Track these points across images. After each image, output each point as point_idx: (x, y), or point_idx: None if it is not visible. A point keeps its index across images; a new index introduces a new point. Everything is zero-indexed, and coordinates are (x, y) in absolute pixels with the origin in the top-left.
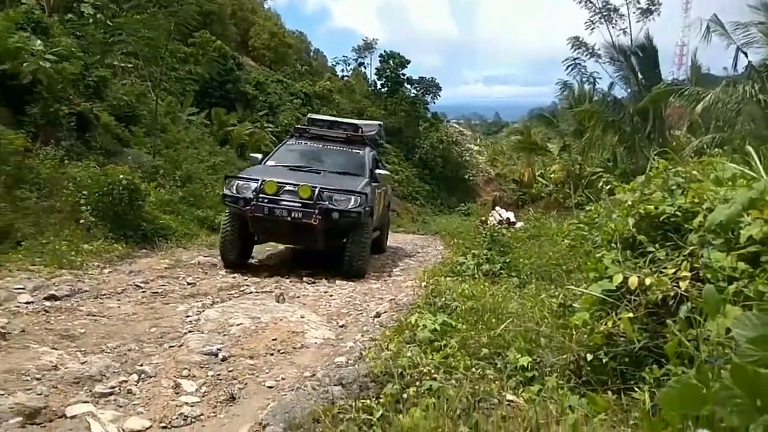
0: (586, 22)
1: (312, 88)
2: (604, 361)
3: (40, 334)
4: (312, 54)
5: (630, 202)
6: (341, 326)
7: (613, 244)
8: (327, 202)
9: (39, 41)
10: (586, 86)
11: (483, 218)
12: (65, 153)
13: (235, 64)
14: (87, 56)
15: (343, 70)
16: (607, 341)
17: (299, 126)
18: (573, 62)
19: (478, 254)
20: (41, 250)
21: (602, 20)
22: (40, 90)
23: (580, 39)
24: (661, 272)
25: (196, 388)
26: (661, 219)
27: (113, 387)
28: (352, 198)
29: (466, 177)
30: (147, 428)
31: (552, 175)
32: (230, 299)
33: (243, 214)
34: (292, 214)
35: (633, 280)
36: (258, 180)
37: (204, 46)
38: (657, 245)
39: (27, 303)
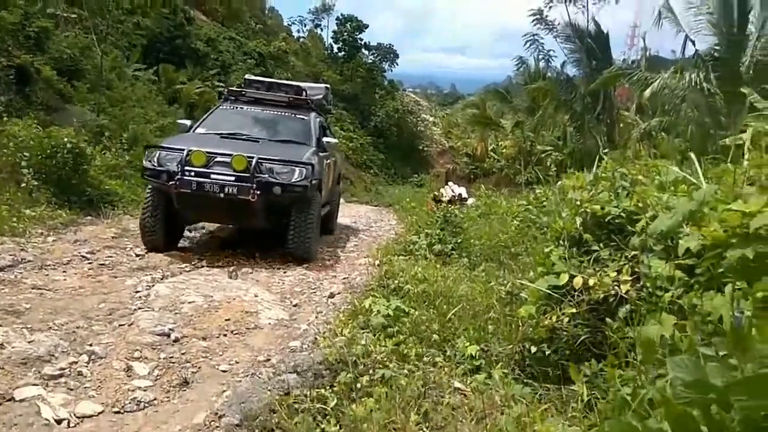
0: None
1: (266, 48)
2: (546, 353)
3: None
4: (267, 12)
5: (578, 201)
6: (294, 305)
7: (560, 241)
8: (267, 175)
9: None
10: (541, 63)
11: (435, 193)
12: (4, 109)
13: (185, 18)
14: (26, 4)
15: (299, 31)
16: (551, 335)
17: (233, 88)
18: (532, 38)
19: (430, 233)
20: None
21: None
22: None
23: (543, 13)
24: (604, 271)
25: (149, 371)
26: (606, 219)
27: (63, 369)
28: (296, 169)
29: (420, 148)
30: (99, 413)
31: (504, 151)
32: (181, 273)
33: (167, 191)
34: (225, 189)
35: (578, 281)
36: (183, 150)
37: None
38: (602, 244)
39: None
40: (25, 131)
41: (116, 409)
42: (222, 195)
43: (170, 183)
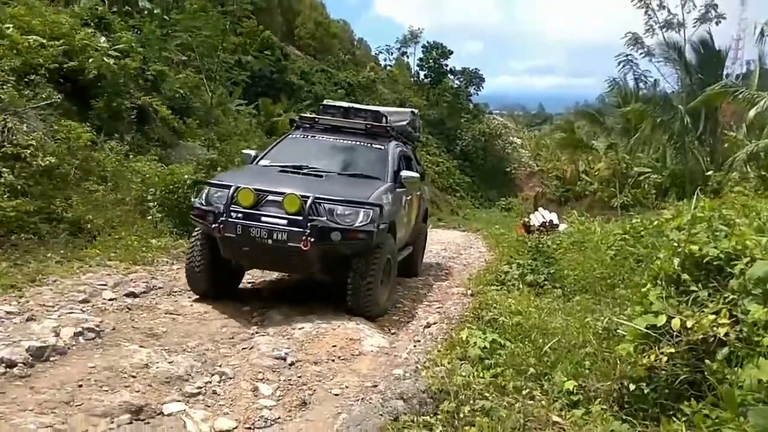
0: (646, 28)
1: (355, 78)
2: (645, 392)
3: (128, 332)
4: (355, 43)
5: (676, 242)
6: (392, 333)
7: (658, 281)
8: (325, 218)
9: (103, 38)
10: (631, 83)
11: (525, 220)
12: (129, 147)
13: (282, 54)
14: (145, 50)
15: (385, 60)
16: (649, 373)
17: (305, 115)
18: (626, 59)
19: (522, 264)
20: (115, 246)
21: (661, 27)
22: (104, 85)
23: (638, 37)
24: (702, 312)
25: (272, 391)
26: (704, 260)
27: (200, 387)
28: (361, 212)
29: (508, 170)
30: (234, 428)
31: (597, 173)
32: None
33: (212, 233)
34: (274, 235)
35: (676, 322)
36: (231, 187)
37: (252, 36)
38: (700, 284)
39: (111, 300)
40: (148, 167)
41: (248, 426)
42: (270, 241)
43: (213, 226)
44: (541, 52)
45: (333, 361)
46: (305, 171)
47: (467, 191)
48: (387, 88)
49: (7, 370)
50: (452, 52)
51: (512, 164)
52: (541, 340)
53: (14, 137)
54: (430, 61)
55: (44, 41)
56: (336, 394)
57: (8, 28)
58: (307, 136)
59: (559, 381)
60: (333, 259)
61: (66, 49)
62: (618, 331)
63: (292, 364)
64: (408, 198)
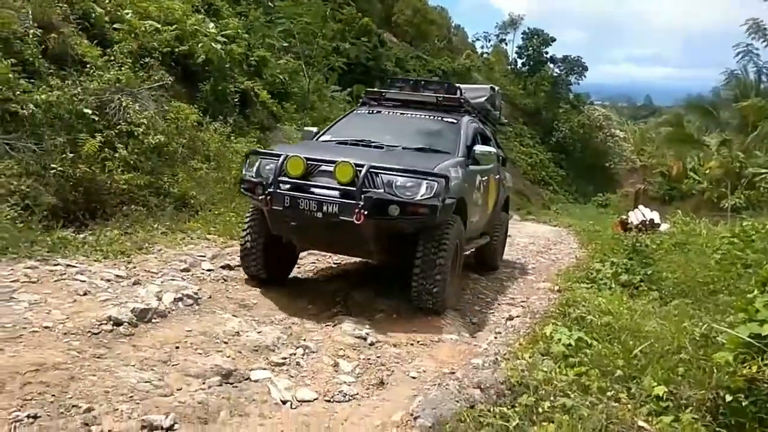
0: None
1: (450, 65)
2: (744, 404)
3: (223, 301)
4: (452, 30)
5: None
6: (473, 323)
7: (766, 288)
8: (382, 189)
9: (212, 24)
10: (752, 75)
11: (623, 217)
12: (231, 129)
13: (378, 41)
14: (250, 36)
15: (483, 47)
16: (750, 385)
17: (372, 89)
18: (745, 49)
19: (617, 263)
20: (214, 221)
21: None
22: (211, 69)
23: (761, 25)
24: None
25: (351, 368)
26: None
27: (285, 358)
28: (424, 184)
29: (607, 165)
30: (314, 399)
31: (707, 172)
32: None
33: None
34: (324, 207)
35: None
36: (281, 156)
37: (350, 23)
38: None
39: (208, 270)
40: (247, 149)
41: (327, 398)
42: (320, 215)
43: (260, 197)
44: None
45: (412, 345)
46: (367, 144)
47: (561, 185)
48: (482, 76)
49: (114, 327)
50: (554, 40)
51: (612, 158)
52: (631, 343)
53: (128, 116)
54: (530, 48)
55: (159, 26)
56: (413, 377)
57: (127, 13)
58: (374, 111)
59: (648, 385)
60: (393, 238)
61: (178, 34)
62: (717, 338)
63: (372, 344)
64: (484, 179)
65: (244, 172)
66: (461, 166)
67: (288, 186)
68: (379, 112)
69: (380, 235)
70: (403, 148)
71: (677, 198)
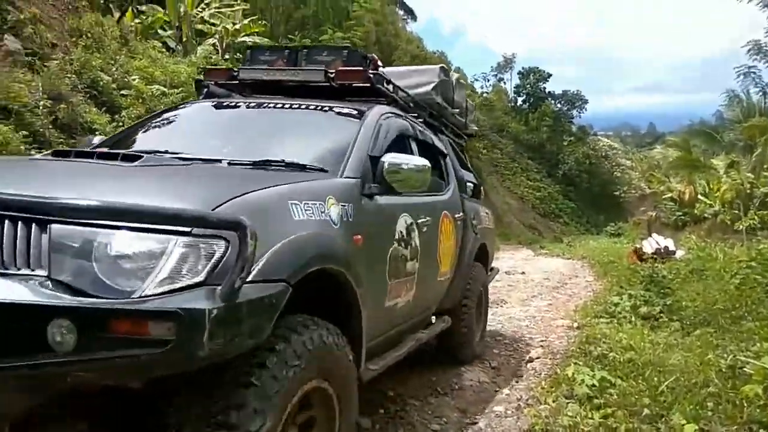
0: None
1: None
2: None
3: None
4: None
5: None
6: (493, 368)
7: None
8: (70, 271)
9: None
10: (755, 97)
11: (637, 246)
12: None
13: None
14: None
15: (482, 87)
16: None
17: (217, 67)
18: (747, 70)
19: (634, 295)
20: None
21: None
22: None
23: (762, 45)
24: None
25: (371, 425)
26: None
27: None
28: (174, 249)
29: (616, 194)
30: None
31: (717, 195)
32: None
33: None
34: None
35: None
36: None
37: None
38: None
39: None
40: None
41: None
42: None
43: None
44: (645, 71)
45: (432, 395)
46: (124, 155)
47: (571, 217)
48: (484, 115)
49: None
50: (550, 75)
51: (621, 187)
52: (656, 379)
53: None
54: (527, 85)
55: (165, 90)
56: (435, 431)
57: (134, 79)
58: (224, 104)
59: (677, 424)
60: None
61: (184, 96)
62: (745, 369)
63: (390, 397)
64: (423, 221)
65: None
66: (346, 195)
67: None
68: (234, 105)
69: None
70: (229, 164)
71: (690, 223)
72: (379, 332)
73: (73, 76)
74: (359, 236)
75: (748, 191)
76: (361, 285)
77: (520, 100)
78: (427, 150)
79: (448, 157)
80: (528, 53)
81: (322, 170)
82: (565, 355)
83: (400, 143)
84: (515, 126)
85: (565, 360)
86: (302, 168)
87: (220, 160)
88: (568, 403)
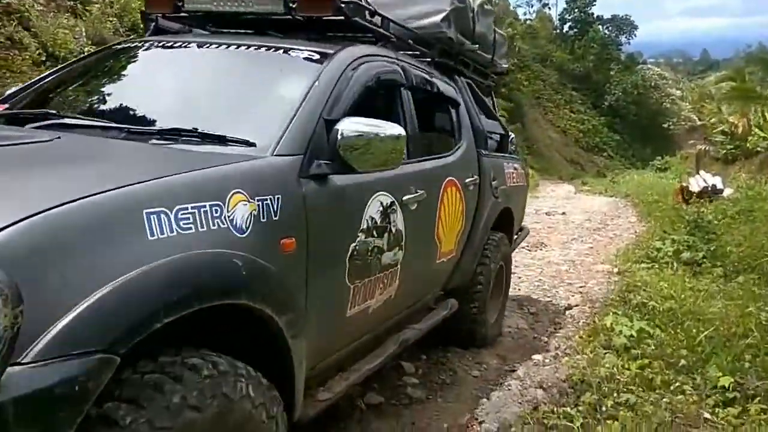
0: None
1: None
2: None
3: None
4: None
5: None
6: (532, 314)
7: None
8: None
9: None
10: None
11: (683, 185)
12: None
13: None
14: None
15: (525, 13)
16: None
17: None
18: None
19: (677, 240)
20: None
21: None
22: None
23: None
24: None
25: (415, 370)
26: None
27: None
28: None
29: (665, 126)
30: (379, 403)
31: None
32: None
33: None
34: None
35: None
36: None
37: None
38: None
39: None
40: None
41: (393, 402)
42: None
43: None
44: None
45: None
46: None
47: (616, 150)
48: (527, 44)
49: None
50: None
51: (670, 119)
52: (695, 329)
53: None
54: (574, 11)
55: None
56: (475, 376)
57: None
58: (171, 43)
59: (713, 376)
60: None
61: None
62: None
63: (433, 343)
64: (410, 196)
65: None
66: (270, 184)
67: None
68: (170, 46)
69: None
70: (129, 132)
71: (742, 157)
72: (340, 345)
73: (115, 19)
74: (290, 239)
75: None
76: (291, 309)
77: (566, 27)
78: (429, 102)
79: (461, 107)
80: None
81: (248, 143)
82: (604, 303)
83: (382, 98)
84: (560, 55)
85: (604, 308)
86: (222, 140)
87: (119, 128)
88: (605, 353)
